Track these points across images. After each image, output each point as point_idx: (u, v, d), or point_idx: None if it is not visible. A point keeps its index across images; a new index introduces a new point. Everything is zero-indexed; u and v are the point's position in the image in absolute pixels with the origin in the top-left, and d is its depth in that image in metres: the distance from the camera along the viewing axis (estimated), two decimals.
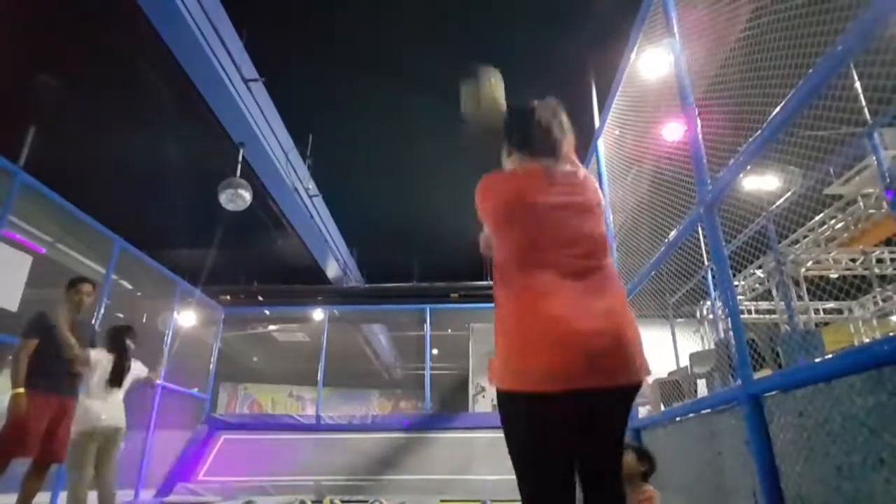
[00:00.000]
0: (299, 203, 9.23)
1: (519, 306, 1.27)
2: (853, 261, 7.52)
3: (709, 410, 2.66)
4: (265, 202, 8.84)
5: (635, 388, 1.30)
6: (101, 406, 3.79)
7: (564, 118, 1.56)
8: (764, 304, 8.61)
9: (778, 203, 4.57)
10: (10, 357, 3.59)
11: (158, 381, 4.61)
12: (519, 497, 1.29)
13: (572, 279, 1.28)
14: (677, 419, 3.15)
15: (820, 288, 7.26)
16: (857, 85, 1.91)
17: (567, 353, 1.19)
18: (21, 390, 3.46)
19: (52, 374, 3.61)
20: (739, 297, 8.06)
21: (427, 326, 9.41)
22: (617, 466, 1.34)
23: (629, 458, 2.61)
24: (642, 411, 4.84)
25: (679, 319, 7.28)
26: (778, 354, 3.54)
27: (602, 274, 1.33)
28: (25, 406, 3.43)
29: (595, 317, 1.24)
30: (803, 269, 7.43)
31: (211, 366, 8.92)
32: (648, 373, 1.31)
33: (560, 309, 1.23)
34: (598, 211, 1.46)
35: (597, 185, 1.57)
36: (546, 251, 1.32)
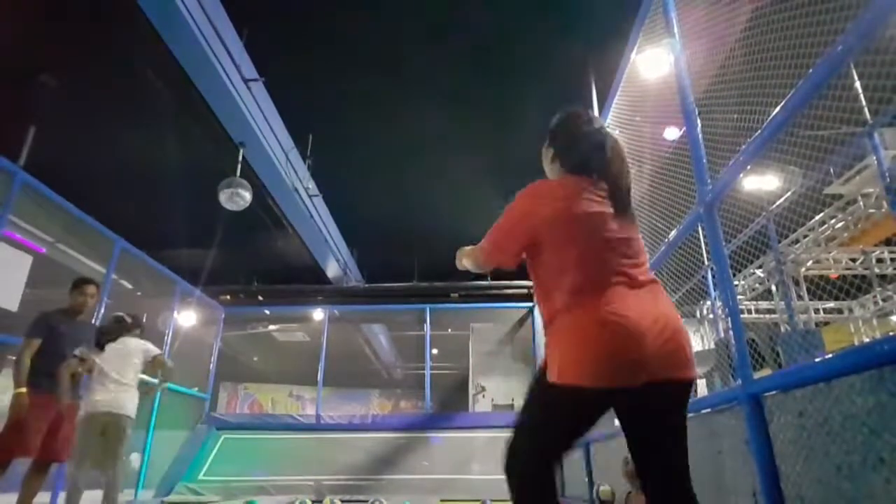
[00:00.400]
0: (299, 203, 9.23)
1: (597, 314, 1.36)
2: (853, 260, 7.52)
3: (709, 410, 2.66)
4: (265, 202, 8.83)
5: (693, 381, 1.49)
6: (101, 393, 3.69)
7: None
8: (764, 304, 8.61)
9: (778, 203, 4.57)
10: (14, 357, 3.60)
11: (165, 382, 4.27)
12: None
13: (636, 287, 1.42)
14: None
15: (820, 287, 7.27)
16: (857, 85, 1.91)
17: (645, 351, 1.33)
18: (23, 390, 3.47)
19: (54, 374, 3.61)
20: (739, 297, 8.06)
21: (427, 326, 9.41)
22: (686, 460, 1.52)
23: (629, 461, 2.56)
24: None
25: None
26: (778, 354, 3.54)
27: (653, 281, 1.48)
28: (27, 406, 3.43)
29: (663, 319, 1.38)
30: (803, 269, 7.44)
31: (211, 365, 8.92)
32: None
33: (634, 315, 1.35)
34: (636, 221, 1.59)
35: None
36: (610, 262, 1.44)
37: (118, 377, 3.77)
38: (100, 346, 3.85)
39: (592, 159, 1.56)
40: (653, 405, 1.40)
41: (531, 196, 1.56)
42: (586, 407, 1.38)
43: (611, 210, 1.49)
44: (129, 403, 3.78)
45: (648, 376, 1.33)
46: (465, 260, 1.79)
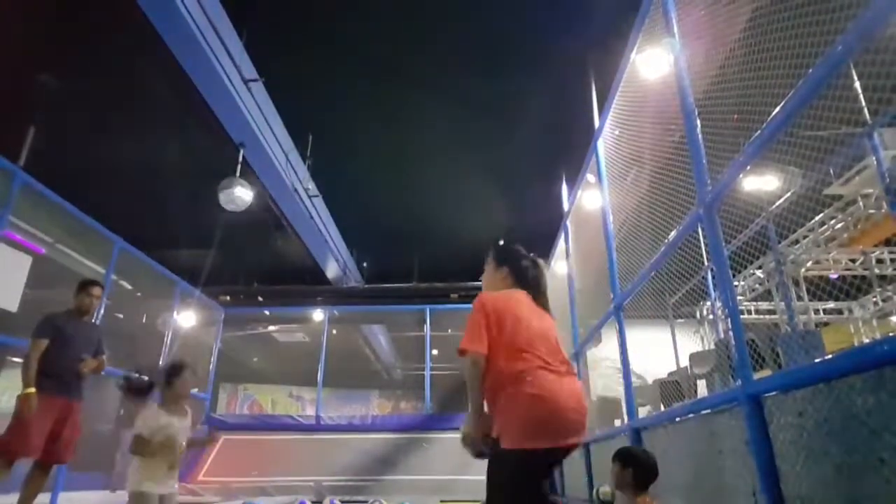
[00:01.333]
0: (299, 203, 9.24)
1: (532, 393, 1.81)
2: (853, 261, 7.52)
3: (709, 411, 2.66)
4: (265, 202, 8.84)
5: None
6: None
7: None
8: (764, 305, 8.61)
9: (778, 203, 4.57)
10: (18, 359, 3.58)
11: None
12: None
13: (558, 374, 1.88)
14: (677, 419, 3.15)
15: (820, 288, 7.26)
16: (857, 85, 1.91)
17: (563, 422, 1.81)
18: (32, 390, 3.45)
19: (60, 375, 3.61)
20: (739, 298, 8.06)
21: (427, 327, 9.41)
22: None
23: (615, 468, 2.42)
24: (642, 411, 4.85)
25: (679, 320, 7.28)
26: (778, 355, 3.54)
27: (569, 369, 1.95)
28: (36, 406, 3.42)
29: (575, 399, 1.85)
30: (803, 270, 7.43)
31: (211, 366, 8.92)
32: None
33: (558, 395, 1.82)
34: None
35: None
36: (540, 356, 1.89)
37: None
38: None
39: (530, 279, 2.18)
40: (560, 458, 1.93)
41: (485, 303, 2.02)
42: (541, 466, 1.83)
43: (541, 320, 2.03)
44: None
45: (564, 441, 1.80)
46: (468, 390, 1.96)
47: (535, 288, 2.15)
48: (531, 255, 2.29)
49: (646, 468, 2.38)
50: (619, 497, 2.49)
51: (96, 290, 3.94)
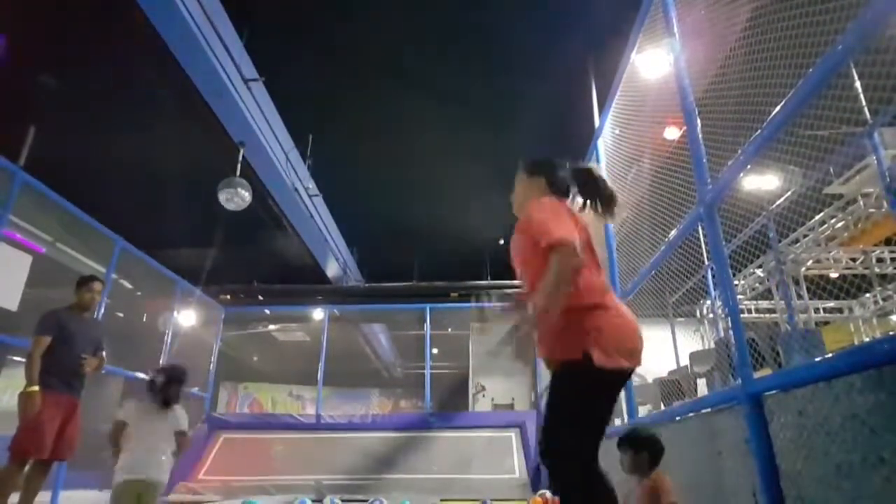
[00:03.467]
0: (299, 203, 9.23)
1: (621, 311, 1.80)
2: (853, 260, 7.52)
3: (709, 410, 2.66)
4: (265, 202, 8.84)
5: None
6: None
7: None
8: (764, 304, 8.61)
9: (778, 202, 4.57)
10: (26, 356, 3.56)
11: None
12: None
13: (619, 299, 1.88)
14: (677, 419, 3.15)
15: (820, 287, 7.26)
16: (857, 85, 1.91)
17: (639, 345, 1.78)
18: (36, 388, 3.44)
19: (63, 373, 3.61)
20: (739, 297, 8.06)
21: (427, 326, 9.41)
22: None
23: (628, 455, 2.53)
24: (642, 410, 4.85)
25: (679, 319, 7.28)
26: (778, 354, 3.54)
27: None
28: (40, 404, 3.41)
29: (635, 323, 1.83)
30: (803, 269, 7.44)
31: (211, 365, 8.92)
32: None
33: (630, 317, 1.82)
34: None
35: None
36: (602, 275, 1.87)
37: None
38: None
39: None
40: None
41: (558, 214, 1.83)
42: (618, 384, 1.78)
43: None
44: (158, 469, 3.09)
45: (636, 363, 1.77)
46: (550, 290, 1.65)
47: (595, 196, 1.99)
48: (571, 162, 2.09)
49: (658, 447, 2.51)
50: (631, 480, 2.53)
51: (97, 286, 3.94)
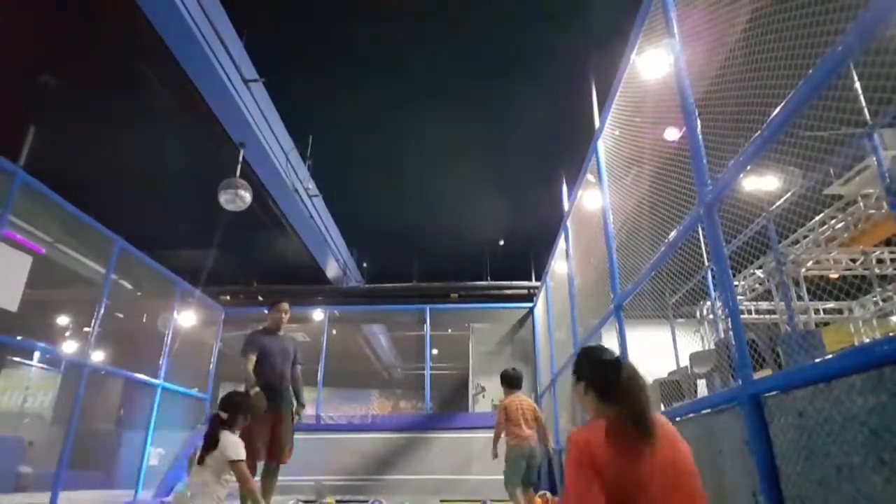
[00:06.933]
0: (299, 203, 9.23)
1: None
2: (853, 261, 7.52)
3: (709, 410, 2.66)
4: (265, 202, 8.83)
5: None
6: None
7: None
8: (764, 304, 8.61)
9: (778, 203, 4.57)
10: (243, 369, 4.05)
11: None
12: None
13: None
14: (677, 419, 3.15)
15: (820, 288, 7.26)
16: (857, 85, 1.91)
17: None
18: (258, 389, 3.88)
19: (265, 385, 4.00)
20: (739, 298, 8.06)
21: (427, 326, 9.41)
22: None
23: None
24: None
25: (679, 319, 7.27)
26: (778, 354, 3.54)
27: None
28: (266, 405, 3.84)
29: None
30: (803, 270, 7.43)
31: (211, 366, 8.92)
32: None
33: None
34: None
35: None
36: None
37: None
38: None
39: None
40: None
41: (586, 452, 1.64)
42: None
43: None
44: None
45: None
46: None
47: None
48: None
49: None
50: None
51: (284, 306, 4.55)
